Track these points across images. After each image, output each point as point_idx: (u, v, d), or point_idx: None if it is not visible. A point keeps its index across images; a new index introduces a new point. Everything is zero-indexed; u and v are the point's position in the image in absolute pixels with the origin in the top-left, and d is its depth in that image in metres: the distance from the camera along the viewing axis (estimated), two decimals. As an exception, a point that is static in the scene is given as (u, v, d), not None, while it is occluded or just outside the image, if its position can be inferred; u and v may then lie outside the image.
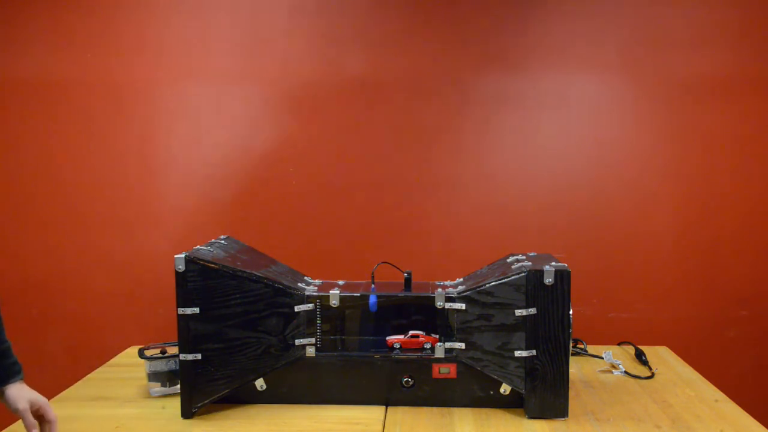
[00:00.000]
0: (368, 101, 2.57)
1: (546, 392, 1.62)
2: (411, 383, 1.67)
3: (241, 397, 1.72)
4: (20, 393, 1.33)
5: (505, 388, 1.67)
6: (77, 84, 2.63)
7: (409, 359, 1.67)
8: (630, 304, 2.60)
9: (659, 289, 2.59)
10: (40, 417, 1.34)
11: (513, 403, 1.68)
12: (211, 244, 1.81)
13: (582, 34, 2.53)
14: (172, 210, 2.66)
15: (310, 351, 1.68)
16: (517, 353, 1.62)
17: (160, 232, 2.65)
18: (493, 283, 1.63)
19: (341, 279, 1.87)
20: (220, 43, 2.60)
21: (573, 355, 2.10)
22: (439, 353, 1.66)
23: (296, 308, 1.68)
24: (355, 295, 1.72)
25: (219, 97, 2.61)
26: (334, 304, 1.70)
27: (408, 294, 1.74)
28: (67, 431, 1.56)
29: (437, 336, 1.70)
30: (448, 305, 1.67)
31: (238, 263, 1.71)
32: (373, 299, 1.70)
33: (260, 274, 1.67)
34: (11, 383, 1.33)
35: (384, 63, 2.57)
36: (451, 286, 1.77)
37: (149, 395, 1.81)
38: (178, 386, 1.69)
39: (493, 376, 1.66)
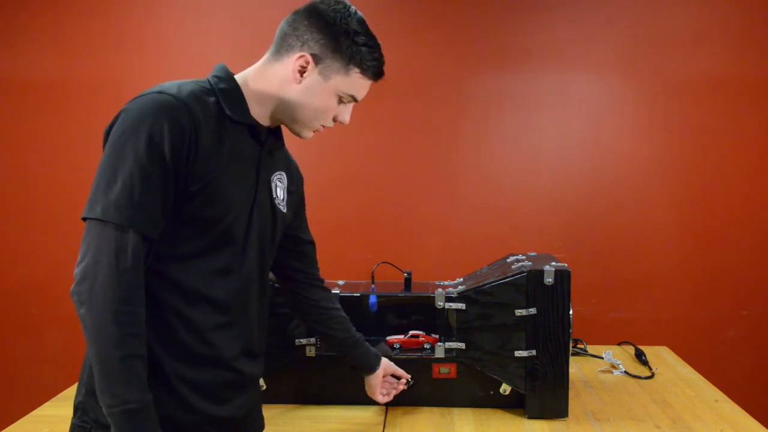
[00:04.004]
0: (368, 101, 2.55)
1: (546, 392, 1.62)
2: (411, 383, 1.67)
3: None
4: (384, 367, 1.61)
5: (505, 388, 1.67)
6: (77, 84, 2.63)
7: (409, 359, 1.67)
8: (630, 304, 2.60)
9: (659, 289, 2.59)
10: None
11: (513, 403, 1.68)
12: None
13: (581, 34, 2.53)
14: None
15: (310, 351, 1.68)
16: (517, 353, 1.62)
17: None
18: (493, 283, 1.63)
19: (341, 279, 1.87)
20: (220, 42, 2.60)
21: (573, 355, 2.10)
22: (439, 353, 1.66)
23: (296, 308, 1.68)
24: (355, 295, 1.72)
25: (219, 97, 2.61)
26: (334, 304, 1.69)
27: (408, 294, 1.73)
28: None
29: (437, 336, 1.70)
30: (448, 305, 1.67)
31: (238, 263, 1.70)
32: (373, 299, 1.70)
33: (260, 274, 1.67)
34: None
35: (384, 63, 2.57)
36: (451, 286, 1.77)
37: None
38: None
39: (493, 376, 1.65)
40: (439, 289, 1.71)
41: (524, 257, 1.78)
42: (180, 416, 1.07)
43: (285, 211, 1.26)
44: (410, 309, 1.73)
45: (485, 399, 1.69)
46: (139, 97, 1.03)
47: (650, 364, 2.02)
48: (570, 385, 1.66)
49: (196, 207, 1.04)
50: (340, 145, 2.60)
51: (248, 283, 1.15)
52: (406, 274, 1.80)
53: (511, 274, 1.63)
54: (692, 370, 2.00)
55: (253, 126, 1.15)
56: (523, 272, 1.61)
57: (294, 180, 1.33)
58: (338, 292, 1.71)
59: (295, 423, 1.62)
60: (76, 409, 1.09)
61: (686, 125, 2.54)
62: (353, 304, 1.70)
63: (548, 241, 2.56)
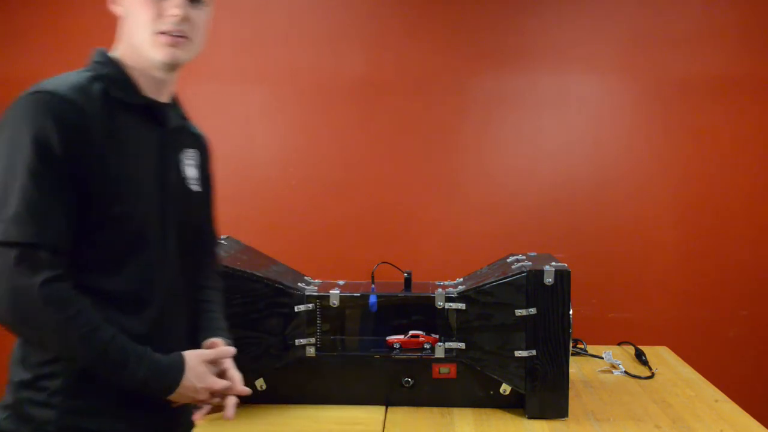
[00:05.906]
0: (368, 101, 2.57)
1: (546, 392, 1.62)
2: (411, 383, 1.67)
3: (241, 397, 1.71)
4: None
5: (505, 388, 1.67)
6: (77, 84, 2.63)
7: (409, 359, 1.67)
8: (630, 304, 2.59)
9: (659, 289, 2.59)
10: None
11: (513, 403, 1.68)
12: (211, 244, 1.80)
13: (581, 33, 2.53)
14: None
15: (310, 351, 1.68)
16: (517, 353, 1.62)
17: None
18: (493, 283, 1.63)
19: (341, 279, 1.87)
20: (220, 42, 2.59)
21: (573, 355, 2.09)
22: (439, 353, 1.66)
23: (296, 308, 1.68)
24: (355, 295, 1.72)
25: (219, 97, 2.61)
26: (334, 304, 1.69)
27: (408, 294, 1.73)
28: (67, 431, 1.56)
29: (437, 336, 1.69)
30: (448, 305, 1.67)
31: (238, 263, 1.70)
32: (373, 299, 1.70)
33: (260, 274, 1.67)
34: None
35: (384, 63, 2.57)
36: (451, 286, 1.77)
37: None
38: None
39: (493, 376, 1.65)
40: (439, 289, 1.71)
41: (524, 257, 1.78)
42: (113, 427, 1.03)
43: (200, 189, 1.18)
44: (410, 309, 1.73)
45: (485, 399, 1.69)
46: (15, 101, 0.96)
47: (650, 364, 2.02)
48: (570, 385, 1.65)
49: (101, 207, 0.99)
50: (340, 145, 2.60)
51: (171, 274, 1.09)
52: (406, 274, 1.79)
53: (511, 274, 1.63)
54: (692, 370, 2.00)
55: (146, 106, 1.07)
56: (523, 272, 1.61)
57: (205, 155, 1.26)
58: (338, 291, 1.71)
59: (295, 423, 1.62)
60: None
61: (686, 125, 2.54)
62: (353, 304, 1.70)
63: (548, 241, 2.56)
